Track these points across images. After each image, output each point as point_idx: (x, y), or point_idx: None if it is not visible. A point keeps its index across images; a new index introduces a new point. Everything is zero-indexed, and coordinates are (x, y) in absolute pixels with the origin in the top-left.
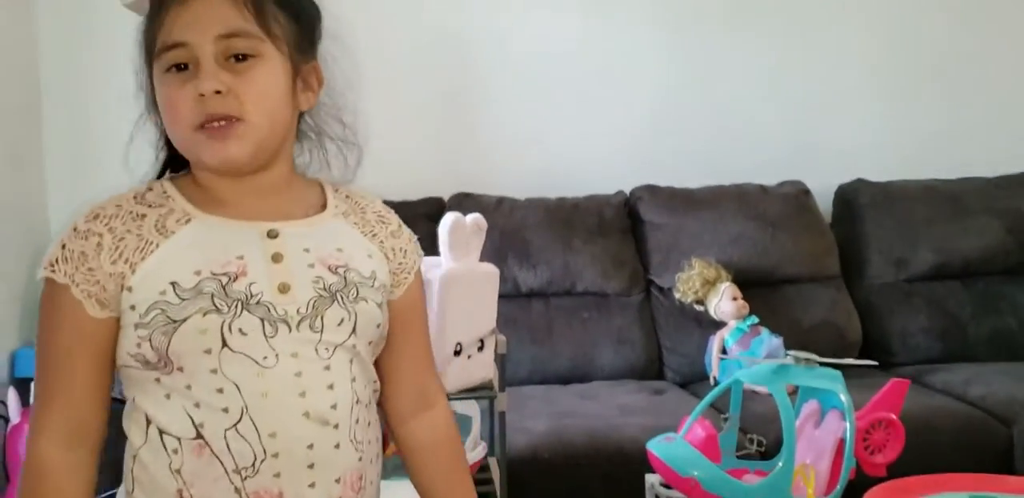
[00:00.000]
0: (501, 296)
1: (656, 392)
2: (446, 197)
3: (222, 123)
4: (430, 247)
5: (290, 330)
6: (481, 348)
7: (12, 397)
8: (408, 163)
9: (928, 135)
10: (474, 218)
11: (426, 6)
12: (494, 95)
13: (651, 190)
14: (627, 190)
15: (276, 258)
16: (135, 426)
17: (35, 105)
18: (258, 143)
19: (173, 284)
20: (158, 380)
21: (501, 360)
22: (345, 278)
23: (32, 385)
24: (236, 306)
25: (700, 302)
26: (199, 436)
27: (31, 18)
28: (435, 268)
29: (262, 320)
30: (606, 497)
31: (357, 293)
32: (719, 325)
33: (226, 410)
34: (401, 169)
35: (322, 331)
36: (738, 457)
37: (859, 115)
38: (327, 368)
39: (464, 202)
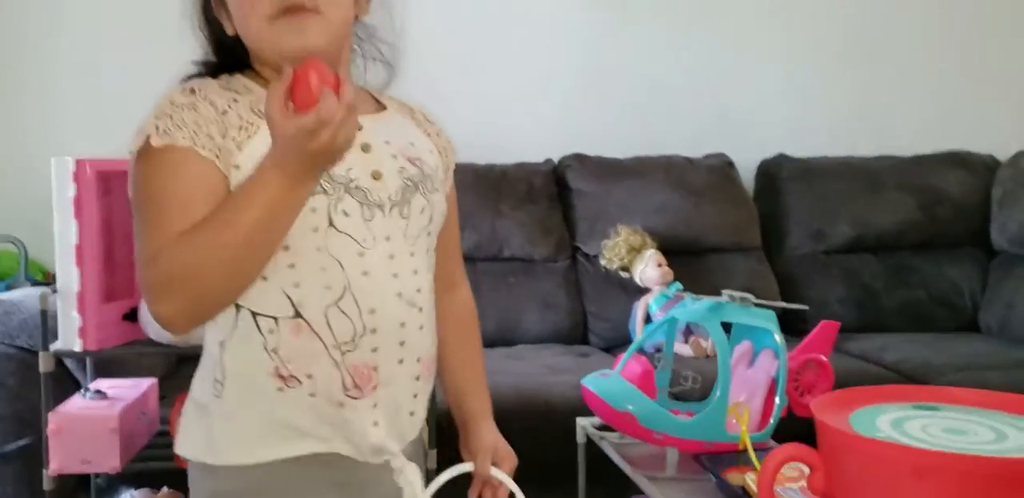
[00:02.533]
0: None
1: (581, 355)
2: None
3: (301, 14)
4: None
5: (384, 215)
6: None
7: None
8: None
9: (848, 113)
10: None
11: None
12: (425, 61)
13: (579, 159)
14: (556, 159)
15: (365, 148)
16: (221, 316)
17: None
18: (330, 36)
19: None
20: None
21: None
22: (422, 170)
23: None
24: (339, 189)
25: (625, 269)
26: (297, 315)
27: None
28: None
29: (360, 204)
30: (536, 450)
31: (431, 184)
32: (644, 291)
33: (328, 287)
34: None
35: (408, 218)
36: (672, 395)
37: (783, 92)
38: (412, 254)
39: None
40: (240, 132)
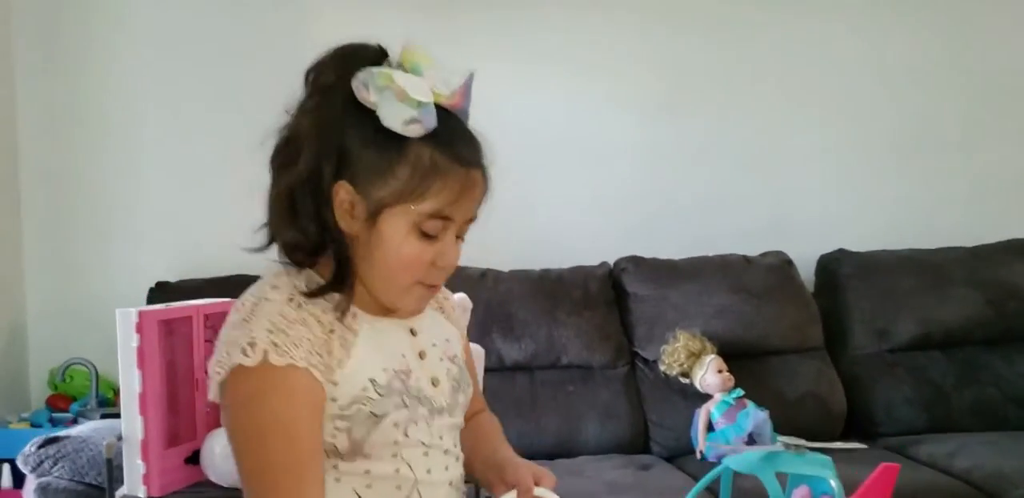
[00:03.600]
0: (485, 370)
1: (643, 467)
2: None
3: (433, 288)
4: None
5: (441, 417)
6: None
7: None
8: None
9: (907, 205)
10: (460, 298)
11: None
12: None
13: (635, 261)
14: (611, 261)
15: (422, 355)
16: None
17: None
18: None
19: (372, 381)
20: (335, 466)
21: None
22: (459, 366)
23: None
24: (415, 402)
25: (685, 375)
26: None
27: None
28: None
29: (428, 411)
30: None
31: (466, 379)
32: (704, 398)
33: (399, 487)
34: None
35: (455, 417)
36: None
37: (839, 185)
38: (455, 444)
39: None
40: (339, 348)
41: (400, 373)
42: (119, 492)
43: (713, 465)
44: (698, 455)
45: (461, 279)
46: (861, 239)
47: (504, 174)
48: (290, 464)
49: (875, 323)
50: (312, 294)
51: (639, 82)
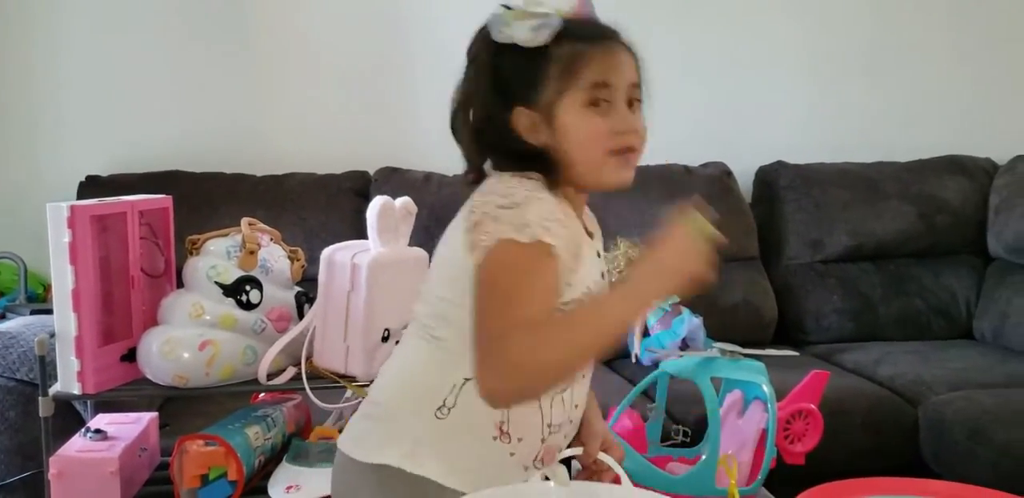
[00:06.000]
0: None
1: None
2: (372, 171)
3: (629, 155)
4: (357, 224)
5: None
6: None
7: None
8: (334, 135)
9: (847, 120)
10: (403, 202)
11: None
12: (422, 71)
13: None
14: None
15: (602, 275)
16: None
17: None
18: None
19: (589, 288)
20: None
21: None
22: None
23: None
24: None
25: None
26: None
27: None
28: (363, 252)
29: None
30: None
31: None
32: None
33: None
34: (327, 141)
35: None
36: (662, 445)
37: (780, 98)
38: None
39: (391, 177)
40: (575, 261)
41: (599, 282)
42: (52, 389)
43: (648, 369)
44: (633, 359)
45: (405, 183)
46: (800, 152)
47: (446, 78)
48: (533, 321)
49: (809, 234)
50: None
51: None
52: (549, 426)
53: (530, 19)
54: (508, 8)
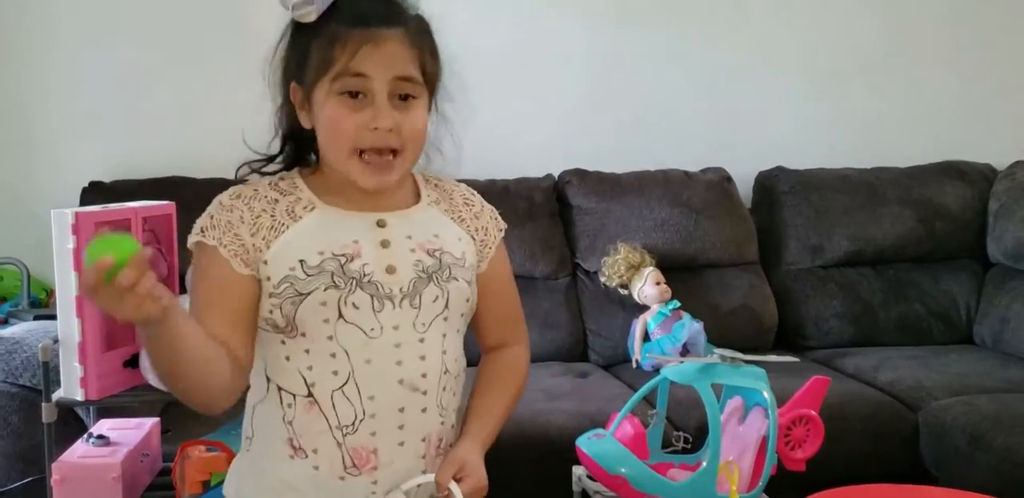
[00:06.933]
0: None
1: (581, 375)
2: None
3: (387, 156)
4: None
5: (394, 306)
6: None
7: None
8: None
9: (846, 126)
10: None
11: None
12: None
13: (579, 174)
14: (556, 173)
15: (384, 244)
16: (257, 382)
17: None
18: (406, 170)
19: (301, 262)
20: (283, 342)
21: None
22: (440, 260)
23: None
24: (351, 283)
25: (624, 286)
26: (310, 394)
27: None
28: None
29: (371, 296)
30: (533, 483)
31: (450, 273)
32: (642, 309)
33: (335, 373)
34: None
35: (420, 307)
36: (664, 452)
37: (780, 104)
38: (421, 341)
39: None
40: (270, 232)
41: (339, 256)
42: (56, 394)
43: (648, 374)
44: (634, 364)
45: None
46: (799, 157)
47: (448, 84)
48: (199, 306)
49: (809, 239)
50: (257, 171)
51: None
52: (341, 428)
53: None
54: None
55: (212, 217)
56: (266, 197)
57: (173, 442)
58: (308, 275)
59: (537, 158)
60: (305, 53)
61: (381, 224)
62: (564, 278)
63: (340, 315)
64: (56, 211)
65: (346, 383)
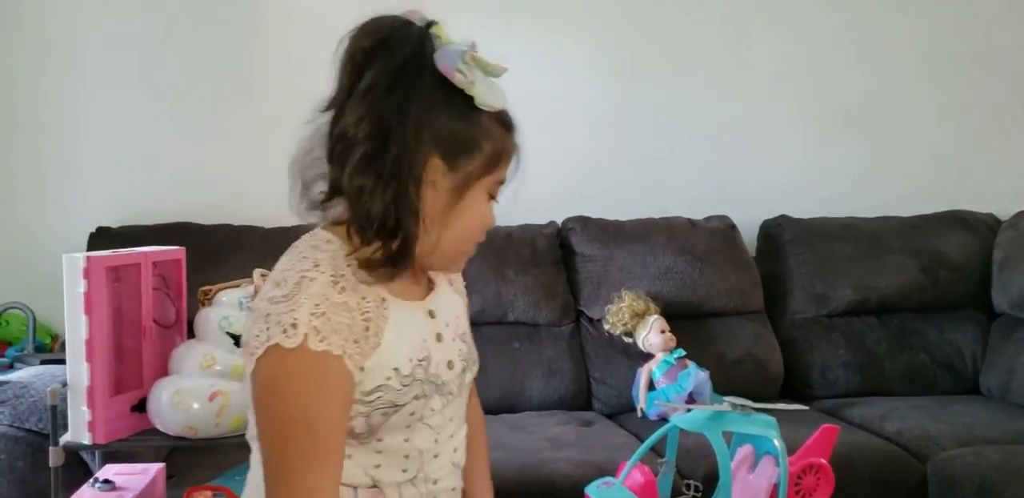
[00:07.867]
0: None
1: (584, 423)
2: None
3: None
4: None
5: (453, 400)
6: None
7: None
8: None
9: (849, 175)
10: None
11: None
12: None
13: (583, 221)
14: (559, 221)
15: (439, 337)
16: None
17: None
18: None
19: (396, 370)
20: (349, 444)
21: None
22: (467, 344)
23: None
24: (431, 389)
25: (629, 334)
26: (375, 486)
27: None
28: None
29: (441, 397)
30: None
31: (472, 355)
32: (647, 357)
33: (406, 470)
34: None
35: (462, 396)
36: None
37: (783, 153)
38: (461, 425)
39: None
40: (373, 336)
41: (422, 362)
42: (63, 439)
43: (653, 423)
44: (639, 413)
45: None
46: (803, 206)
47: None
48: (312, 453)
49: (814, 288)
50: (370, 266)
51: (594, 45)
52: None
53: (497, 85)
54: (437, 39)
55: (329, 318)
56: (355, 290)
57: (178, 487)
58: (403, 385)
59: (540, 205)
60: (471, 140)
61: (432, 315)
62: (568, 325)
63: (422, 420)
64: (67, 255)
65: (416, 477)
